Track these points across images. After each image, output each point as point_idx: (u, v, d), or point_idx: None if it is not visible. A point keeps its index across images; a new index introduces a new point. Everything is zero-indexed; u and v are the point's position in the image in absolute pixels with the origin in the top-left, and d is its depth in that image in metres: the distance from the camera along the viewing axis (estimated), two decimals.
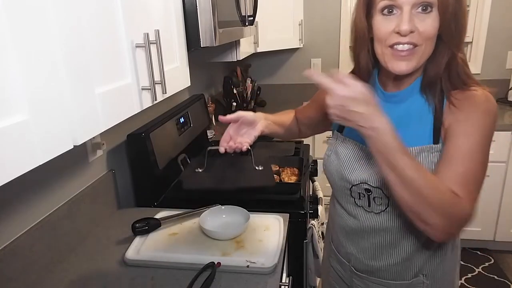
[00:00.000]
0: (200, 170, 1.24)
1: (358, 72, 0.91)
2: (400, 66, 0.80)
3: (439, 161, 0.80)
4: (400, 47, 0.78)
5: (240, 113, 0.98)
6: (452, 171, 0.76)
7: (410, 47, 0.78)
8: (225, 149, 0.99)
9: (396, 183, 0.75)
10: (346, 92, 0.70)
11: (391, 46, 0.79)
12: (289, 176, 1.54)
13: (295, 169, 1.60)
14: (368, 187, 0.89)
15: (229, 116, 0.98)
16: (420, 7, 0.76)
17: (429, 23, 0.76)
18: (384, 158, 0.74)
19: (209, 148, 1.19)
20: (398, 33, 0.77)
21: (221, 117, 1.00)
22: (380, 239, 0.93)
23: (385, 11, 0.79)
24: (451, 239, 0.93)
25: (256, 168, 1.26)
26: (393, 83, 0.88)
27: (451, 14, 0.75)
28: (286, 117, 1.18)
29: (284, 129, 1.14)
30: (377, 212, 0.91)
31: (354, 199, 0.94)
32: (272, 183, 1.26)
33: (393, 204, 0.86)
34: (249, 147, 0.99)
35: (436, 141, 0.82)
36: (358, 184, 0.90)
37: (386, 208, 0.89)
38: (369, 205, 0.91)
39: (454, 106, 0.81)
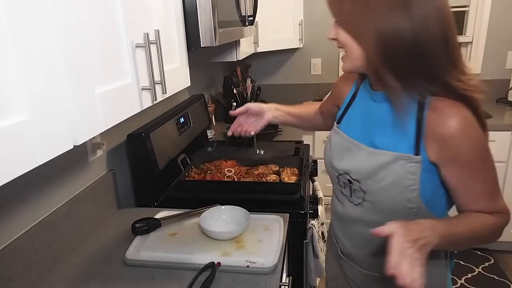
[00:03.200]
0: (210, 150, 1.51)
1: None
2: (342, 66, 0.90)
3: (461, 194, 0.85)
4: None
5: (247, 105, 1.14)
6: (480, 202, 0.85)
7: (342, 51, 0.86)
8: (232, 133, 1.18)
9: (466, 247, 0.89)
10: (399, 243, 0.72)
11: None
12: (289, 176, 1.54)
13: (295, 169, 1.60)
14: (350, 178, 0.94)
15: (238, 110, 1.15)
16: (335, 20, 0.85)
17: (340, 33, 0.83)
18: (449, 247, 0.88)
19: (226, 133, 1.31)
20: None
21: (231, 112, 1.17)
22: (358, 229, 0.97)
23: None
24: None
25: (258, 152, 1.43)
26: (373, 82, 0.90)
27: (343, 22, 0.83)
28: (305, 109, 1.26)
29: (299, 120, 1.24)
30: (356, 203, 0.95)
31: (341, 187, 0.99)
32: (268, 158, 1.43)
33: (369, 200, 0.91)
34: (253, 134, 1.16)
35: (417, 152, 0.83)
36: (343, 173, 0.96)
37: (362, 202, 0.93)
38: (350, 196, 0.96)
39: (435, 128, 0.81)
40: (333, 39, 0.86)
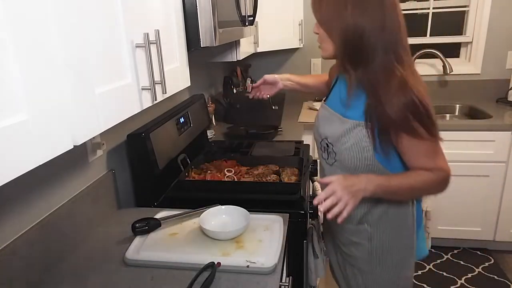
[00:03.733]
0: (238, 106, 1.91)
1: None
2: (321, 53, 1.13)
3: (406, 158, 1.08)
4: None
5: (264, 76, 1.50)
6: (419, 159, 1.06)
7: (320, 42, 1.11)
8: (253, 96, 1.55)
9: (402, 198, 1.15)
10: (335, 188, 1.00)
11: None
12: (289, 176, 1.53)
13: (295, 169, 1.60)
14: (327, 142, 1.18)
15: (258, 82, 1.53)
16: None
17: (320, 30, 1.08)
18: (388, 195, 1.09)
19: (247, 94, 1.64)
20: None
21: (253, 84, 1.53)
22: None
23: None
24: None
25: (273, 107, 1.78)
26: (339, 68, 1.14)
27: (320, 21, 1.07)
28: (313, 79, 1.55)
29: (306, 88, 1.55)
30: (330, 164, 1.20)
31: (322, 152, 1.24)
32: (278, 121, 1.76)
33: (338, 159, 1.15)
34: (269, 97, 1.54)
35: (366, 119, 1.06)
36: (323, 139, 1.19)
37: (334, 162, 1.18)
38: (328, 158, 1.20)
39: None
40: (316, 33, 1.11)
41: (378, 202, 1.15)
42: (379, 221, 1.17)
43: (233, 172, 1.56)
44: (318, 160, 1.34)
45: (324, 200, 0.99)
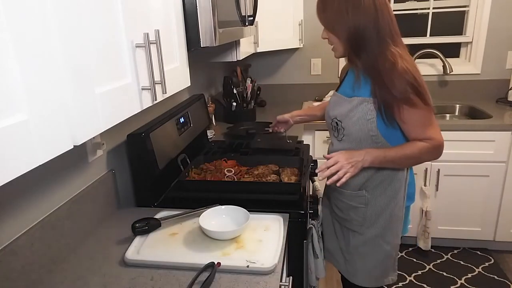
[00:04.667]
0: (259, 140, 2.05)
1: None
2: (334, 54, 1.36)
3: (405, 130, 1.26)
4: None
5: (277, 118, 1.79)
6: (417, 129, 1.25)
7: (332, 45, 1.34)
8: (272, 130, 1.83)
9: (400, 166, 1.33)
10: (338, 159, 1.24)
11: None
12: (289, 176, 1.53)
13: (295, 169, 1.60)
14: (337, 121, 1.36)
15: (272, 124, 1.83)
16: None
17: (330, 35, 1.32)
18: (386, 164, 1.29)
19: (266, 128, 1.91)
20: None
21: (270, 125, 1.85)
22: None
23: None
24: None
25: (288, 141, 1.95)
26: (348, 61, 1.36)
27: (327, 27, 1.31)
28: (318, 109, 1.76)
29: (315, 118, 1.76)
30: (339, 139, 1.38)
31: (333, 131, 1.42)
32: (292, 147, 1.91)
33: (346, 134, 1.33)
34: (284, 131, 1.82)
35: (372, 95, 1.25)
36: (334, 118, 1.38)
37: (343, 137, 1.36)
38: (337, 135, 1.39)
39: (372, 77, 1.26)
40: (325, 38, 1.34)
41: (377, 172, 1.33)
42: (376, 189, 1.36)
43: (233, 172, 1.56)
44: (330, 140, 1.54)
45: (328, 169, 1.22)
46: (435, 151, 1.27)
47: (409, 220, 1.52)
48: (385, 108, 1.23)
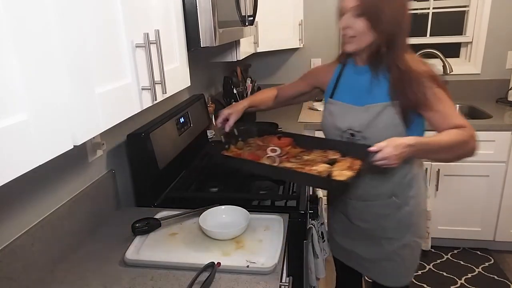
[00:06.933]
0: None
1: (342, 53, 1.36)
2: (346, 47, 1.25)
3: (436, 121, 1.22)
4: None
5: (221, 112, 1.47)
6: (449, 120, 1.20)
7: (351, 36, 1.21)
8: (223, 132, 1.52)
9: (441, 159, 1.25)
10: (387, 153, 1.10)
11: (343, 35, 1.24)
12: (342, 170, 1.34)
13: (357, 161, 1.41)
14: (352, 131, 1.28)
15: (218, 121, 1.46)
16: (354, 13, 1.18)
17: (358, 23, 1.17)
18: (426, 156, 1.22)
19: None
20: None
21: (216, 123, 1.48)
22: None
23: (341, 15, 1.24)
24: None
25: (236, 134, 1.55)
26: (359, 59, 1.30)
27: (370, 17, 1.16)
28: (260, 97, 1.59)
29: (257, 108, 1.59)
30: None
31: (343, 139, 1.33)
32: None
33: (371, 143, 1.17)
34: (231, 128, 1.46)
35: (392, 98, 1.22)
36: (346, 130, 1.29)
37: None
38: None
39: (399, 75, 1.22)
40: (346, 27, 1.20)
41: (404, 178, 1.32)
42: (404, 192, 1.33)
43: (277, 152, 1.27)
44: None
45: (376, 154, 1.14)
46: (473, 141, 1.18)
47: None
48: (413, 107, 1.20)
